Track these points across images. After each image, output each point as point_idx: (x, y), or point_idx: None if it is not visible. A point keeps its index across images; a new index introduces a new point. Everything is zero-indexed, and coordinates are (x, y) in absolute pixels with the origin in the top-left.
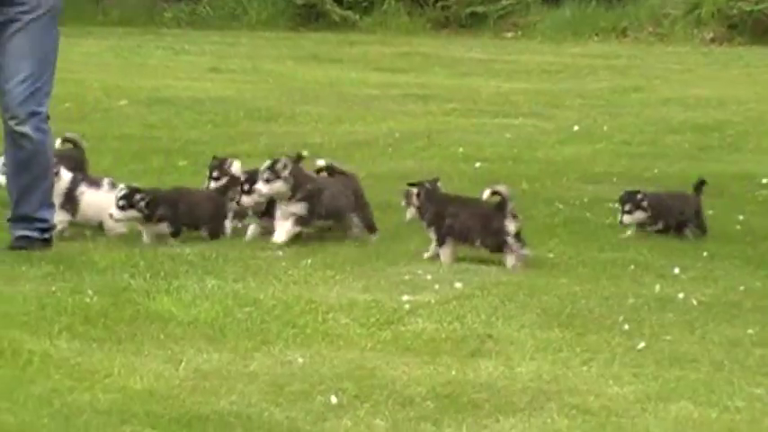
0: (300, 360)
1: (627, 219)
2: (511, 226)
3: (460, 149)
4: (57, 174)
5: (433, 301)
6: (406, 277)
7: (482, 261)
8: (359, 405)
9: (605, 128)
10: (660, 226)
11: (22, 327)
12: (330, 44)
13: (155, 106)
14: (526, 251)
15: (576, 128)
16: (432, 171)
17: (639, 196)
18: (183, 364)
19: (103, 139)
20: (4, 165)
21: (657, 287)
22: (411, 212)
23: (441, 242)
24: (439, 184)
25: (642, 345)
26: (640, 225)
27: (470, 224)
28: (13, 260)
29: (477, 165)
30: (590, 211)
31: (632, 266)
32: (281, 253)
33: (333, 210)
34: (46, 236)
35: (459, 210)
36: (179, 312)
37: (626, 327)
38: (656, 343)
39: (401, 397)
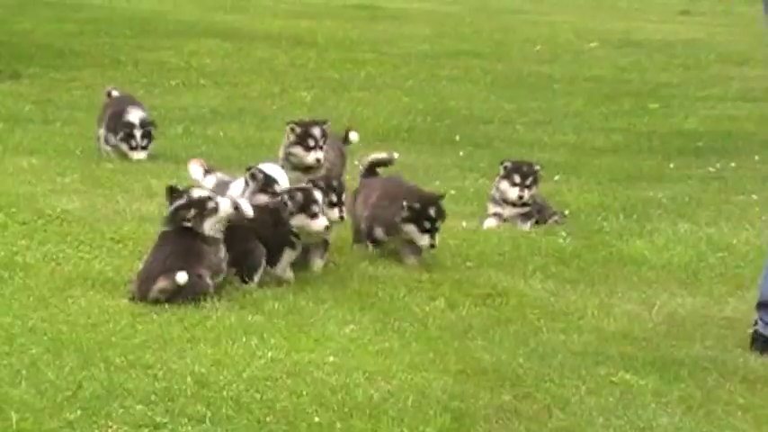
0: None
1: None
2: None
3: None
4: None
5: None
6: None
7: None
8: None
9: None
10: None
11: (497, 266)
12: None
13: (625, 48)
14: None
15: None
16: None
17: None
18: (656, 307)
19: (574, 81)
20: None
21: None
22: None
23: None
24: None
25: None
26: None
27: None
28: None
29: None
30: None
31: None
32: (755, 197)
33: None
34: None
35: None
36: (652, 256)
37: None
38: None
39: None
